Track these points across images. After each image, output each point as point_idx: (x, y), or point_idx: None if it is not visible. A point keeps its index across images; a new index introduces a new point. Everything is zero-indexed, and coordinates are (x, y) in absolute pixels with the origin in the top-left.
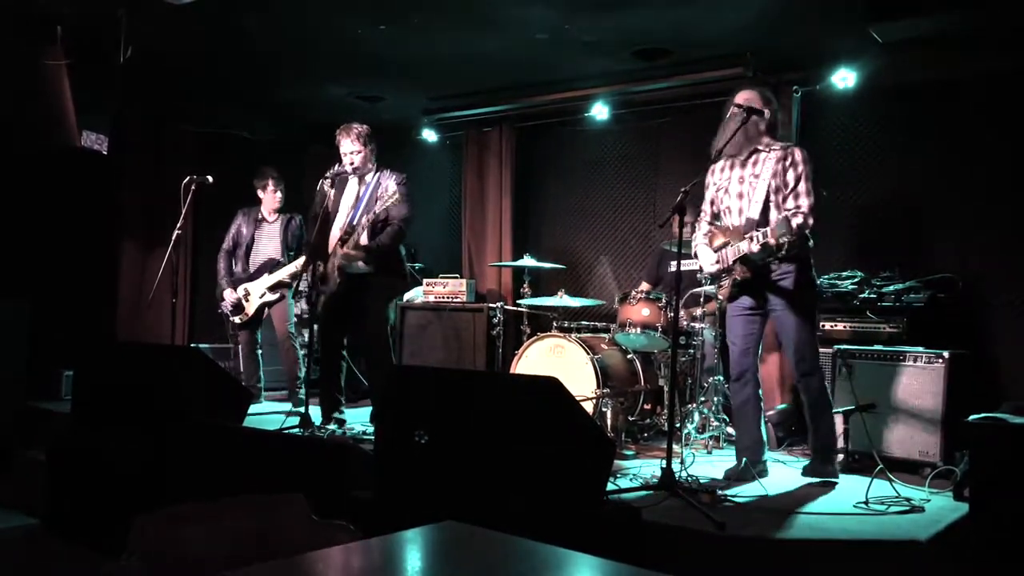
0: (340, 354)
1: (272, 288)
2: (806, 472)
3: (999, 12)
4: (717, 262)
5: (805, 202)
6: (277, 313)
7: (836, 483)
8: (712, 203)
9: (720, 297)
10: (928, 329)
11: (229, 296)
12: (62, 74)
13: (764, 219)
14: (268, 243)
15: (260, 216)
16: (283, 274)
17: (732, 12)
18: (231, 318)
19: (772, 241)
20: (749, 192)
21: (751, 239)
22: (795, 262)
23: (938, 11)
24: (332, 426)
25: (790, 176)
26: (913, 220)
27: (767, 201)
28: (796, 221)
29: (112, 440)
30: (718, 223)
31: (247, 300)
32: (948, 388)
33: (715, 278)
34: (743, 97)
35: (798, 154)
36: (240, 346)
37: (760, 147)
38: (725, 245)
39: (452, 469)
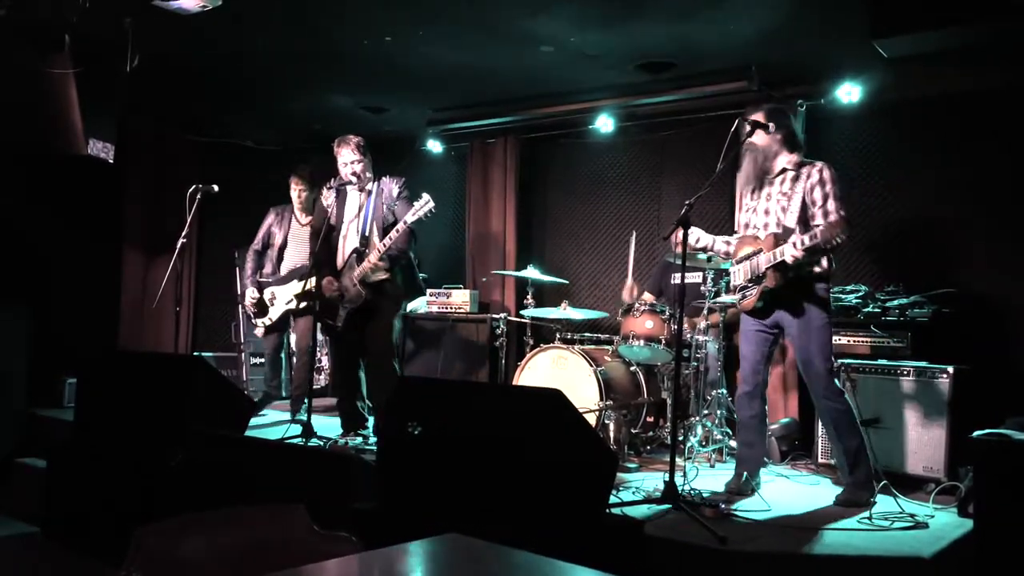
0: (359, 364)
1: (300, 297)
2: (838, 502)
3: (1004, 28)
4: (745, 272)
5: (835, 218)
6: (303, 324)
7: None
8: (746, 226)
9: (743, 307)
10: (932, 344)
11: (251, 295)
12: (69, 82)
13: (802, 230)
14: (300, 248)
15: (293, 217)
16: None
17: (737, 26)
18: (253, 320)
19: (819, 242)
20: (779, 209)
21: (795, 244)
22: (815, 280)
23: (943, 27)
24: (357, 440)
25: (817, 194)
26: (917, 234)
27: (803, 213)
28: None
29: (113, 448)
30: (745, 235)
31: (272, 304)
32: (952, 403)
33: (740, 288)
34: (750, 118)
35: (826, 172)
36: (265, 350)
37: (787, 166)
38: (755, 254)
39: (454, 481)
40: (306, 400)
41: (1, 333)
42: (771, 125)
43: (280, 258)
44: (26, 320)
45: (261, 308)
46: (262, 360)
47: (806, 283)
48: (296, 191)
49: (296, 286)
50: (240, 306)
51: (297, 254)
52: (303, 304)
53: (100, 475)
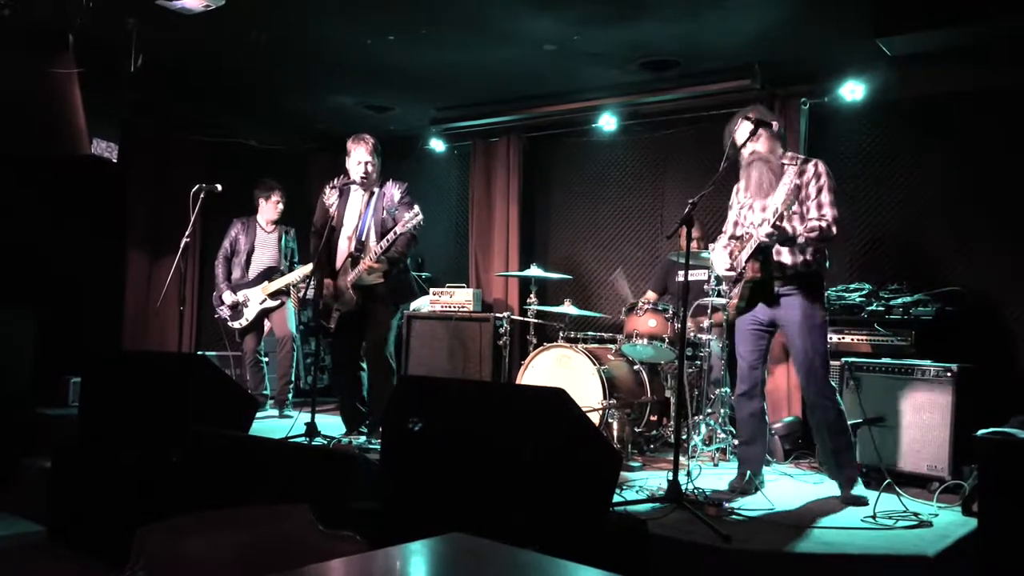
0: (359, 365)
1: (272, 295)
2: (843, 500)
3: (1007, 26)
4: (731, 268)
5: (829, 212)
6: (278, 316)
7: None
8: (736, 224)
9: (729, 309)
10: (936, 342)
11: (228, 299)
12: (73, 82)
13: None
14: (267, 251)
15: (257, 225)
16: (282, 283)
17: (740, 24)
18: (229, 323)
19: (782, 210)
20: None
21: (767, 222)
22: (809, 279)
23: (947, 25)
24: (360, 440)
25: (812, 188)
26: (921, 233)
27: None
28: (818, 224)
29: (118, 448)
30: (738, 239)
31: (246, 306)
32: (956, 402)
33: (730, 287)
34: (757, 137)
35: (820, 167)
36: (244, 355)
37: (785, 162)
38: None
39: (458, 480)
40: (291, 395)
41: (5, 333)
42: (775, 124)
43: (248, 263)
44: (30, 319)
45: (236, 311)
46: (266, 359)
47: (799, 279)
48: (280, 204)
49: (267, 286)
50: (216, 312)
51: (264, 257)
52: (276, 302)
53: (104, 474)
